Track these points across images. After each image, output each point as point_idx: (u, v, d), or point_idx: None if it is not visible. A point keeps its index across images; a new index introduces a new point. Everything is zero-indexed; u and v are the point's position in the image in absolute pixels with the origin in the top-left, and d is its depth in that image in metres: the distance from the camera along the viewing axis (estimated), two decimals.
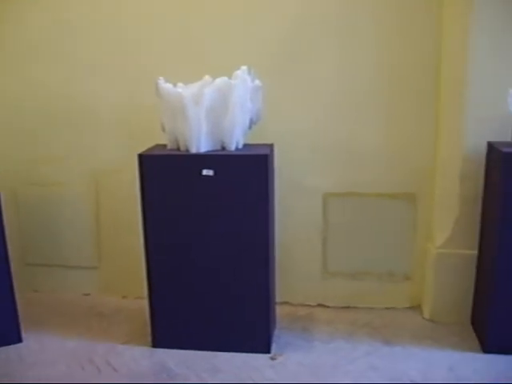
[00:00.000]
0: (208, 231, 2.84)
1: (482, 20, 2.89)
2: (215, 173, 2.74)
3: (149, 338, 3.03)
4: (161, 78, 2.83)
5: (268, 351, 2.96)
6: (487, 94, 2.93)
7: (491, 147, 2.91)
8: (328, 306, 3.45)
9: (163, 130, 2.91)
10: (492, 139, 2.94)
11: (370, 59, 3.17)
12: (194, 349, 2.97)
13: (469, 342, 3.04)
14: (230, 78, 2.81)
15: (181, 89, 2.81)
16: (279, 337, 3.12)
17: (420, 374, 2.78)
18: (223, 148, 2.85)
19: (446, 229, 3.17)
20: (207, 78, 2.84)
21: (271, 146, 2.95)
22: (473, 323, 3.19)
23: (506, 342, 2.91)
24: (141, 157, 2.80)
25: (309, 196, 3.32)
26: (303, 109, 3.25)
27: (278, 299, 3.23)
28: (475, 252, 3.12)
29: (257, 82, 2.89)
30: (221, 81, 2.79)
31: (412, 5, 3.09)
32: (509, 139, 2.88)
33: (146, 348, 3.03)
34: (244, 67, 2.83)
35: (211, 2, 3.21)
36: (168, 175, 2.80)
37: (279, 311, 3.27)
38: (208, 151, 2.82)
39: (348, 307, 3.43)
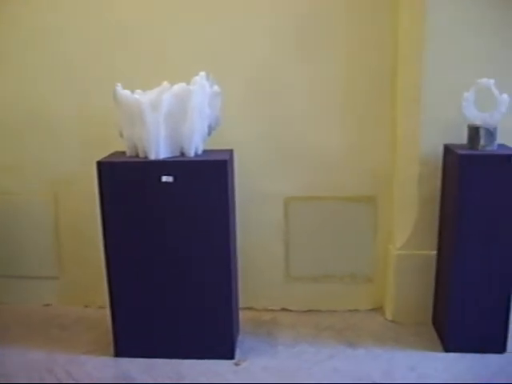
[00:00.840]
0: (168, 238, 2.82)
1: (435, 26, 2.95)
2: (175, 179, 2.73)
3: (111, 348, 3.00)
4: (118, 84, 2.81)
5: (232, 357, 2.95)
6: (442, 98, 2.98)
7: (447, 150, 2.97)
8: (291, 310, 3.46)
9: (121, 136, 2.88)
10: (448, 142, 3.00)
11: (329, 65, 3.20)
12: (158, 357, 2.95)
13: (430, 342, 3.09)
14: (188, 83, 2.80)
15: (139, 95, 2.79)
16: (243, 342, 3.11)
17: (382, 375, 2.82)
18: (182, 154, 2.84)
19: (405, 230, 3.21)
20: (165, 84, 2.82)
21: (231, 152, 2.95)
22: (434, 323, 3.23)
23: (466, 340, 2.96)
24: (99, 164, 2.77)
25: (270, 201, 3.33)
26: (263, 114, 3.26)
27: (241, 305, 3.22)
28: (434, 252, 3.17)
29: (215, 87, 2.88)
30: (179, 87, 2.78)
31: (369, 11, 3.13)
32: (464, 142, 2.93)
33: (109, 358, 3.00)
34: (202, 73, 2.83)
35: (169, 8, 3.19)
36: (127, 182, 2.77)
37: (243, 316, 3.26)
38: (167, 157, 2.80)
39: (311, 310, 3.44)
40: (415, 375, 2.81)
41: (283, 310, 3.47)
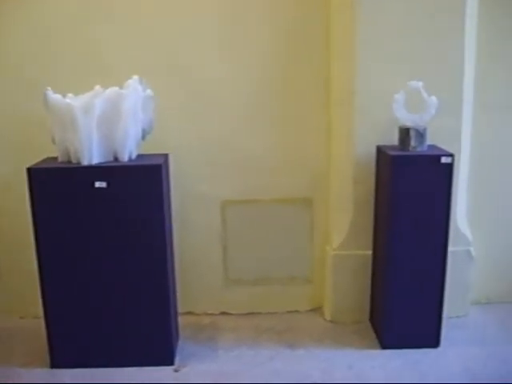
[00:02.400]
0: (103, 245, 2.77)
1: (366, 31, 3.01)
2: (108, 184, 2.69)
3: (48, 359, 2.92)
4: (49, 88, 2.74)
5: (172, 363, 2.93)
6: (374, 101, 3.05)
7: (380, 151, 3.03)
8: (231, 314, 3.45)
9: (53, 142, 2.82)
10: (381, 143, 3.06)
11: (264, 68, 3.22)
12: (97, 366, 2.89)
13: (368, 340, 3.15)
14: (121, 87, 2.77)
15: (70, 99, 2.73)
16: (183, 348, 3.09)
17: (321, 375, 2.85)
18: (116, 159, 2.80)
19: (341, 231, 3.26)
20: (98, 88, 2.78)
21: (166, 156, 2.93)
22: (371, 321, 3.29)
23: (402, 337, 3.03)
24: (29, 170, 2.69)
25: (207, 204, 3.32)
26: (199, 117, 3.25)
27: (180, 310, 3.19)
28: (370, 252, 3.23)
29: (148, 91, 2.86)
30: (111, 91, 2.75)
31: (302, 14, 3.16)
32: (396, 143, 2.99)
33: (46, 369, 2.92)
34: (135, 77, 2.80)
35: (102, 12, 3.14)
36: (59, 189, 2.71)
37: (183, 322, 3.23)
38: (100, 162, 2.76)
39: (251, 313, 3.45)
40: (353, 373, 2.86)
41: (223, 313, 3.46)
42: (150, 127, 2.92)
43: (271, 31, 3.18)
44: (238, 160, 3.30)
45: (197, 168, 3.28)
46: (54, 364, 2.91)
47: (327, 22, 3.16)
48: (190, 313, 3.42)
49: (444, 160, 2.81)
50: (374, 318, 3.26)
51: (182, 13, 3.15)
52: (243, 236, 3.38)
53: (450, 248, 2.99)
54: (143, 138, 2.90)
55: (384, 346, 3.05)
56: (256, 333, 3.25)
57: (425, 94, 2.91)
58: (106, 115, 2.74)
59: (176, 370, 2.90)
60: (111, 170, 2.72)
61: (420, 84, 2.90)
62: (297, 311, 3.47)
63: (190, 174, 3.26)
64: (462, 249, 3.27)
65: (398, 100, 2.92)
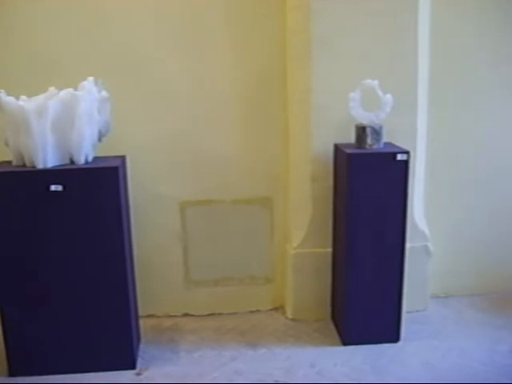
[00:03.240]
0: (60, 249, 2.72)
1: (321, 31, 3.03)
2: (64, 188, 2.64)
3: (5, 367, 2.85)
4: (1, 91, 2.69)
5: (133, 367, 2.90)
6: (331, 99, 3.07)
7: (337, 149, 3.06)
8: (193, 315, 3.44)
9: (6, 145, 2.76)
10: (338, 141, 3.09)
11: (221, 68, 3.21)
12: (57, 373, 2.84)
13: (329, 337, 3.17)
14: (76, 89, 2.73)
15: (23, 102, 2.68)
16: (145, 351, 3.06)
17: (284, 373, 2.86)
18: (72, 162, 2.75)
19: (301, 229, 3.27)
20: (52, 89, 2.74)
21: (123, 158, 2.89)
22: (333, 318, 3.32)
23: (363, 333, 3.06)
24: None
25: (166, 206, 3.29)
26: (157, 118, 3.22)
27: (142, 313, 3.17)
28: (330, 250, 3.25)
29: (104, 92, 2.82)
30: (66, 92, 2.70)
31: (257, 14, 3.17)
32: (352, 141, 3.02)
33: (4, 378, 2.85)
34: (91, 78, 2.77)
35: (56, 11, 3.08)
36: (13, 193, 2.65)
37: (144, 325, 3.21)
38: (56, 166, 2.71)
39: (213, 314, 3.44)
40: (315, 371, 2.88)
41: (185, 315, 3.45)
42: (106, 129, 2.88)
43: (229, 30, 3.17)
44: (197, 161, 3.28)
45: (155, 169, 3.25)
46: (13, 372, 2.85)
47: (283, 21, 3.17)
48: (151, 315, 3.40)
49: (400, 157, 2.85)
50: (335, 316, 3.28)
51: (140, 12, 3.12)
52: (203, 237, 3.37)
53: (408, 244, 3.04)
54: (99, 140, 2.86)
55: (345, 343, 3.08)
56: (218, 333, 3.25)
57: (380, 93, 2.94)
58: (60, 117, 2.69)
59: (138, 374, 2.87)
60: (67, 173, 2.67)
61: (375, 82, 2.93)
62: (258, 311, 3.48)
63: (149, 175, 3.23)
64: (419, 244, 3.32)
65: (353, 98, 2.95)
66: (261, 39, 3.20)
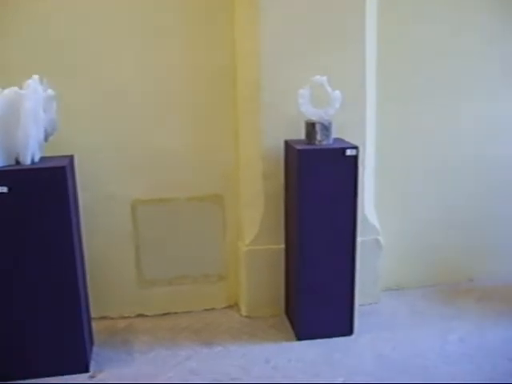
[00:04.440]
0: (7, 252, 2.65)
1: (270, 27, 3.04)
2: (10, 189, 2.57)
3: None
4: None
5: (87, 370, 2.85)
6: (280, 96, 3.08)
7: (288, 145, 3.07)
8: (147, 315, 3.40)
9: None
10: (288, 138, 3.10)
11: (172, 67, 3.18)
12: (8, 379, 2.77)
13: (284, 333, 3.19)
14: (21, 87, 2.66)
15: None
16: (99, 353, 3.01)
17: (239, 371, 2.86)
18: (18, 162, 2.68)
19: (253, 226, 3.28)
20: None
21: (71, 158, 2.84)
22: (287, 314, 3.33)
23: (317, 327, 3.08)
24: None
25: (117, 205, 3.24)
26: (107, 117, 3.17)
27: (94, 314, 3.13)
28: (283, 246, 3.26)
29: (49, 91, 2.76)
30: (10, 91, 2.63)
31: (209, 11, 3.16)
32: (303, 137, 3.04)
33: None
34: (35, 76, 2.70)
35: (4, 7, 2.99)
36: None
37: (97, 326, 3.17)
38: (0, 166, 2.63)
39: (168, 314, 3.41)
40: (270, 367, 2.89)
41: (139, 315, 3.40)
42: (52, 128, 2.82)
43: (179, 28, 3.15)
44: (147, 159, 3.24)
45: (105, 168, 3.20)
46: None
47: (233, 18, 3.17)
48: (104, 317, 3.34)
49: (349, 152, 2.88)
50: (289, 311, 3.30)
51: (88, 10, 3.07)
52: (156, 235, 3.34)
53: (360, 238, 3.08)
54: (46, 139, 2.79)
55: (300, 338, 3.10)
56: (173, 333, 3.22)
57: (329, 89, 2.96)
58: (4, 117, 2.62)
59: (91, 377, 2.83)
60: (12, 175, 2.60)
61: (324, 79, 2.95)
62: (213, 309, 3.46)
63: (99, 174, 3.18)
64: (370, 238, 3.37)
65: (303, 95, 2.97)
66: (210, 37, 3.18)
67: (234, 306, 3.48)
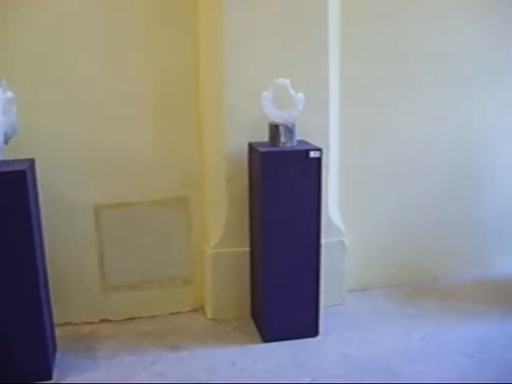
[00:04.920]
0: None
1: (233, 30, 3.05)
2: None
3: None
4: None
5: (50, 378, 2.81)
6: (244, 98, 3.08)
7: (251, 148, 3.07)
8: (112, 321, 3.36)
9: None
10: (252, 140, 3.10)
11: (134, 68, 3.16)
12: None
13: (250, 335, 3.19)
14: None
15: None
16: (62, 360, 2.97)
17: (205, 374, 2.85)
18: None
19: (218, 229, 3.27)
20: None
21: (31, 161, 2.79)
22: (253, 316, 3.34)
23: (282, 329, 3.09)
24: None
25: (79, 210, 3.21)
26: (68, 119, 3.13)
27: (58, 321, 3.09)
28: (247, 248, 3.27)
29: (9, 93, 2.71)
30: None
31: (172, 13, 3.15)
32: (267, 139, 3.05)
33: None
34: None
35: None
36: None
37: (61, 333, 3.12)
38: None
39: (132, 318, 3.38)
40: (236, 369, 2.89)
41: (103, 321, 3.36)
42: (12, 131, 2.76)
43: (141, 28, 3.13)
44: (110, 162, 3.21)
45: (67, 172, 3.16)
46: None
47: (196, 19, 3.17)
48: (68, 323, 3.29)
49: (313, 154, 2.90)
50: (254, 313, 3.30)
51: (51, 9, 3.02)
52: (119, 240, 3.31)
53: (324, 239, 3.10)
54: (6, 142, 2.74)
55: (265, 340, 3.10)
56: (138, 338, 3.19)
57: (292, 91, 2.98)
58: None
59: None
60: None
61: (287, 81, 2.97)
62: (179, 312, 3.44)
63: (60, 178, 3.13)
64: (335, 240, 3.39)
65: (266, 97, 2.98)
66: (173, 37, 3.17)
67: (199, 309, 3.47)
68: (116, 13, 3.10)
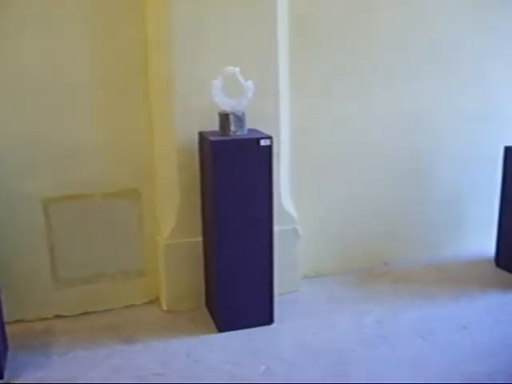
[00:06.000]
0: None
1: (181, 19, 3.02)
2: None
3: None
4: None
5: (1, 377, 2.74)
6: (194, 87, 3.06)
7: (202, 137, 3.05)
8: (66, 316, 3.31)
9: None
10: (203, 129, 3.08)
11: (80, 56, 3.10)
12: None
13: (205, 326, 3.19)
14: None
15: None
16: (14, 359, 2.91)
17: (161, 366, 2.84)
18: None
19: (171, 220, 3.25)
20: None
21: None
22: (207, 306, 3.33)
23: (237, 318, 3.10)
24: None
25: (28, 204, 3.13)
26: (14, 110, 3.06)
27: (9, 319, 3.01)
28: (200, 238, 3.26)
29: None
30: None
31: (120, 5, 3.10)
32: (217, 128, 3.03)
33: None
34: None
35: None
36: None
37: (13, 331, 3.04)
38: None
39: (86, 313, 3.34)
40: (192, 360, 2.88)
41: (57, 316, 3.31)
42: None
43: (88, 17, 3.07)
44: (58, 155, 3.15)
45: (13, 164, 3.09)
46: None
47: (144, 8, 3.12)
48: (20, 320, 3.23)
49: (263, 142, 2.90)
50: (209, 303, 3.30)
51: None
52: (70, 233, 3.25)
53: (277, 227, 3.11)
54: None
55: (221, 330, 3.10)
56: (92, 332, 3.15)
57: (241, 79, 2.97)
58: None
59: None
60: None
61: (237, 70, 2.96)
62: (133, 305, 3.41)
63: (6, 171, 3.06)
64: (288, 227, 3.41)
65: (216, 86, 2.95)
66: (121, 26, 3.13)
67: (154, 301, 3.45)
68: (60, 3, 3.03)
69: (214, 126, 3.04)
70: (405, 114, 3.74)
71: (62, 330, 3.19)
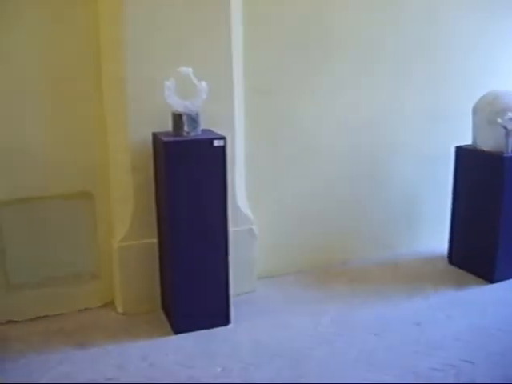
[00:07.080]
0: None
1: (132, 19, 2.99)
2: None
3: None
4: None
5: None
6: (147, 88, 3.04)
7: (155, 138, 3.03)
8: (18, 321, 3.23)
9: None
10: (157, 130, 3.05)
11: (30, 54, 3.04)
12: None
13: (161, 328, 3.16)
14: None
15: None
16: None
17: (115, 370, 2.80)
18: None
19: (125, 222, 3.21)
20: None
21: None
22: (163, 309, 3.30)
23: (193, 320, 3.09)
24: None
25: None
26: None
27: None
28: (155, 240, 3.22)
29: None
30: None
31: (71, 3, 3.05)
32: (170, 129, 3.01)
33: None
34: None
35: None
36: None
37: None
38: None
39: (39, 317, 3.26)
40: (148, 363, 2.85)
41: (9, 322, 3.22)
42: None
43: (39, 14, 3.01)
44: (9, 158, 3.08)
45: None
46: None
47: (96, 7, 3.08)
48: None
49: (216, 143, 2.90)
50: (165, 306, 3.27)
51: None
52: (22, 237, 3.19)
53: (233, 228, 3.11)
54: None
55: (177, 332, 3.08)
56: (45, 337, 3.09)
57: (195, 80, 2.95)
58: None
59: None
60: None
61: (190, 70, 2.94)
62: (87, 309, 3.36)
63: None
64: (244, 228, 3.41)
65: (168, 87, 2.93)
66: (73, 25, 3.08)
67: (109, 304, 3.40)
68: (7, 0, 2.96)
69: (168, 126, 3.01)
70: (358, 115, 3.78)
71: (14, 336, 3.11)
